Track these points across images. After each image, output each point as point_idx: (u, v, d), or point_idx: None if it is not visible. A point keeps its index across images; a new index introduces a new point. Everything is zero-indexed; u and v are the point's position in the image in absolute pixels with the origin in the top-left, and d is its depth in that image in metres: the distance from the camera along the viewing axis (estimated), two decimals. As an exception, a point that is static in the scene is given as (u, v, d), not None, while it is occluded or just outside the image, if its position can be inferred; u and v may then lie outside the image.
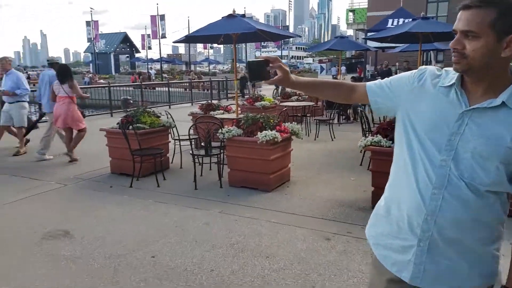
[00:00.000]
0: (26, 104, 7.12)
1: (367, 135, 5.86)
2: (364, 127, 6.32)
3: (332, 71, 41.08)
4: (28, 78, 37.61)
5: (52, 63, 7.16)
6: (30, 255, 3.33)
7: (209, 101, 9.19)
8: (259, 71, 1.47)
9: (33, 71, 63.63)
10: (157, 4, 39.89)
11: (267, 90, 15.43)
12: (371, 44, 15.37)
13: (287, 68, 1.46)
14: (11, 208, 4.48)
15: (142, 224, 3.98)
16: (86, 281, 2.92)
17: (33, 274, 3.03)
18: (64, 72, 6.45)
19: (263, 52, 62.58)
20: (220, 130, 5.13)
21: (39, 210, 4.42)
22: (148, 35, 47.39)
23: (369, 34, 13.28)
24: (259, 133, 4.84)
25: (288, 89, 11.77)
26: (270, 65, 1.44)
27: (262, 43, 54.91)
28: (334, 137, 8.35)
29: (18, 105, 6.91)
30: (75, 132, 6.65)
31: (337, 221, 4.02)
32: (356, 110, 10.70)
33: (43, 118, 7.98)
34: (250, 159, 4.97)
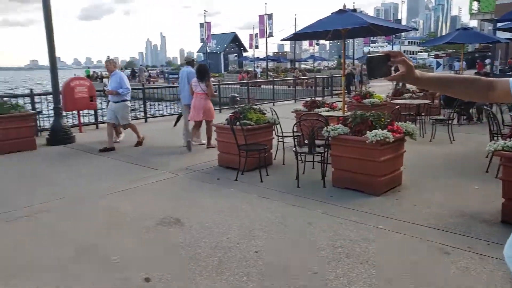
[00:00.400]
0: (129, 103, 7.78)
1: (496, 138, 5.13)
2: (492, 129, 5.56)
3: (456, 66, 37.39)
4: (149, 76, 42.17)
5: (189, 61, 7.97)
6: (145, 239, 3.65)
7: (313, 98, 9.05)
8: (379, 66, 1.34)
9: (153, 69, 70.77)
10: (266, 3, 41.01)
11: (376, 87, 14.66)
12: (502, 35, 13.51)
13: (411, 63, 1.31)
14: (131, 194, 4.99)
15: (246, 218, 4.07)
16: (193, 269, 3.07)
17: (147, 256, 3.31)
18: (203, 71, 7.17)
19: (372, 47, 59.85)
20: (325, 128, 4.98)
21: (154, 197, 4.84)
22: (256, 34, 49.02)
23: (499, 24, 11.69)
24: (368, 132, 4.57)
25: (401, 86, 11.00)
26: (392, 59, 1.30)
27: (371, 38, 52.51)
28: (453, 139, 7.53)
29: (122, 105, 7.52)
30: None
31: (456, 234, 3.58)
32: (480, 110, 9.51)
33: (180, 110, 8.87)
34: (357, 159, 4.73)
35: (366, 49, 63.27)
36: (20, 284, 2.90)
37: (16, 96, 9.40)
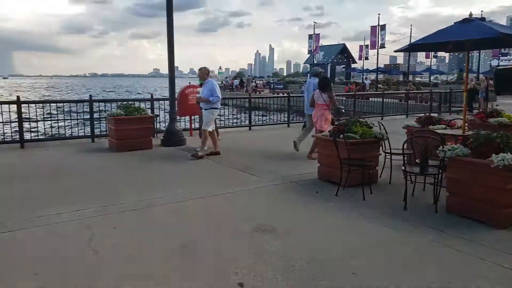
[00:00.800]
0: (216, 111, 7.99)
1: None
2: None
3: None
4: (256, 86, 43.98)
5: (316, 74, 8.15)
6: (241, 243, 3.74)
7: (429, 114, 8.38)
8: (510, 81, 1.15)
9: (260, 80, 73.56)
10: (379, 14, 39.72)
11: (505, 105, 12.99)
12: None
13: None
14: (230, 198, 5.18)
15: (345, 236, 3.92)
16: (286, 280, 3.04)
17: (241, 260, 3.38)
18: (325, 83, 7.37)
19: (501, 60, 53.39)
20: (441, 147, 4.56)
21: (252, 204, 4.97)
22: (366, 46, 47.63)
23: None
24: (494, 155, 4.04)
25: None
26: None
27: (502, 50, 46.94)
28: None
29: (210, 111, 7.75)
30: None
31: None
32: None
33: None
34: (478, 185, 4.22)
35: (494, 63, 56.70)
36: (132, 268, 3.20)
37: (139, 100, 10.57)
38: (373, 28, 42.53)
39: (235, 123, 13.12)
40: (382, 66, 50.95)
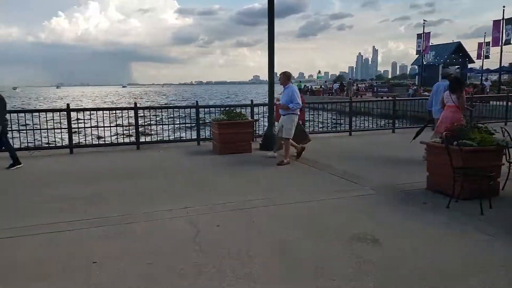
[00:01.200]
0: (296, 118, 7.73)
1: None
2: None
3: None
4: (357, 90, 42.73)
5: (446, 76, 7.91)
6: (339, 251, 3.68)
7: None
8: None
9: (361, 83, 71.30)
10: (504, 7, 35.53)
11: None
12: None
13: None
14: (329, 204, 5.13)
15: (457, 253, 3.61)
16: (389, 294, 2.92)
17: (339, 268, 3.33)
18: (456, 83, 7.13)
19: None
20: None
21: (351, 211, 4.84)
22: (487, 43, 43.03)
23: None
24: None
25: None
26: None
27: None
28: None
29: (289, 118, 7.61)
30: None
31: None
32: None
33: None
34: None
35: None
36: (232, 266, 3.39)
37: (240, 106, 11.09)
38: (496, 22, 38.18)
39: (334, 128, 12.93)
40: (506, 65, 45.50)
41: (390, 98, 15.44)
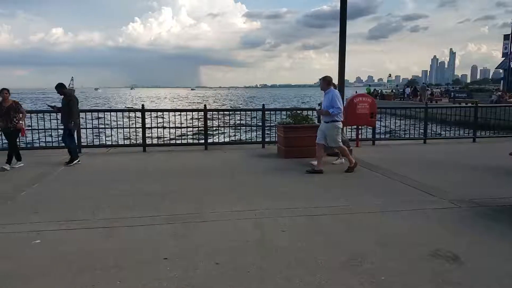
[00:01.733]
0: (340, 124, 7.29)
1: None
2: None
3: None
4: (432, 94, 40.47)
5: None
6: (415, 268, 3.47)
7: None
8: None
9: (436, 88, 67.40)
10: None
11: None
12: None
13: None
14: (403, 215, 4.87)
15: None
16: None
17: (416, 286, 3.14)
18: None
19: None
20: None
21: (427, 224, 4.55)
22: None
23: None
24: None
25: None
26: None
27: None
28: None
29: (331, 125, 7.20)
30: None
31: None
32: None
33: None
34: None
35: None
36: (296, 273, 3.34)
37: (306, 109, 10.99)
38: None
39: (407, 135, 12.34)
40: None
41: (470, 104, 14.39)
